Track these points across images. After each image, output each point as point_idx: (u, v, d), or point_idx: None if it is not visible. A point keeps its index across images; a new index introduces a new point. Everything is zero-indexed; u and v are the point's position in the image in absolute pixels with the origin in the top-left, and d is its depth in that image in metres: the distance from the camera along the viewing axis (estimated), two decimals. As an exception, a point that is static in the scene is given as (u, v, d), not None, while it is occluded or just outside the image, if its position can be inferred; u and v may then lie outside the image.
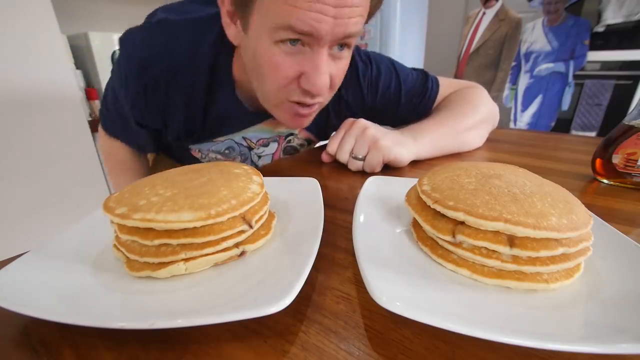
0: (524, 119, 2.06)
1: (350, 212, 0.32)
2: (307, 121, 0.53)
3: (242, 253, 0.26)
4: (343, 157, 0.51)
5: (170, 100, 0.53)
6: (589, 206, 0.27)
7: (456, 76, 2.31)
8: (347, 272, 0.27)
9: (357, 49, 0.62)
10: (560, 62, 1.88)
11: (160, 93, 0.51)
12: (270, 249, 0.27)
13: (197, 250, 0.23)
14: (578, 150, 0.61)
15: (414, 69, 0.68)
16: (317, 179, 0.38)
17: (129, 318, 0.20)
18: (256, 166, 0.67)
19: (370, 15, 0.46)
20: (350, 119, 0.54)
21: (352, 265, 0.27)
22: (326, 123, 0.65)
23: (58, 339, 0.20)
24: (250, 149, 0.64)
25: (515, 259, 0.22)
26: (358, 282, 0.25)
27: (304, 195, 0.35)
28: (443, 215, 0.24)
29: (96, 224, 0.30)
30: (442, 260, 0.24)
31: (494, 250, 0.22)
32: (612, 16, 1.69)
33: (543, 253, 0.21)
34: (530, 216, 0.21)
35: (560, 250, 0.21)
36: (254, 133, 0.62)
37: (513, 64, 2.04)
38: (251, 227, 0.25)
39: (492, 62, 2.13)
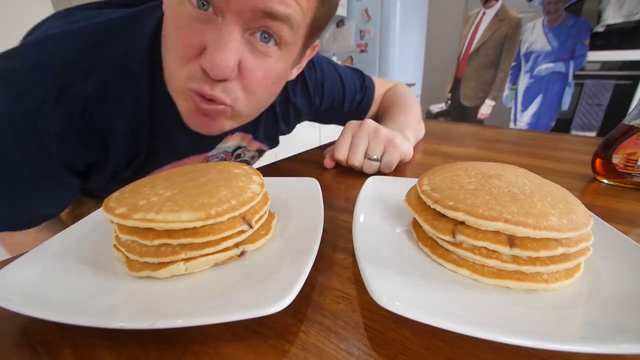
0: (524, 119, 2.06)
1: (350, 212, 0.32)
2: (215, 126, 0.42)
3: (242, 253, 0.26)
4: (358, 159, 0.47)
5: (109, 118, 0.40)
6: (589, 206, 0.27)
7: (456, 76, 2.32)
8: (347, 272, 0.27)
9: None
10: (560, 62, 1.88)
11: (95, 114, 0.39)
12: (270, 249, 0.27)
13: (197, 250, 0.23)
14: (578, 150, 0.61)
15: (349, 68, 0.70)
16: (317, 179, 0.38)
17: (129, 318, 0.20)
18: None
19: (321, 19, 0.39)
20: (354, 122, 0.51)
21: (352, 265, 0.27)
22: (275, 128, 0.62)
23: (58, 339, 0.20)
24: None
25: (515, 259, 0.22)
26: (358, 282, 0.25)
27: (304, 195, 0.35)
28: (443, 215, 0.24)
29: (96, 224, 0.30)
30: (442, 260, 0.24)
31: (494, 250, 0.22)
32: (612, 16, 1.69)
33: (543, 253, 0.21)
34: (530, 216, 0.21)
35: (560, 250, 0.21)
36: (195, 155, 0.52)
37: (513, 64, 2.05)
38: (251, 227, 0.25)
39: (492, 62, 2.13)
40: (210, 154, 0.55)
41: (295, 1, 0.34)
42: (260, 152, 0.66)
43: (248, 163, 0.65)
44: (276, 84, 0.43)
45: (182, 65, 0.36)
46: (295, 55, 0.42)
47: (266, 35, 0.36)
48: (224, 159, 0.59)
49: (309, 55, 0.48)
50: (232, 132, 0.54)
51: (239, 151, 0.60)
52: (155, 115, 0.44)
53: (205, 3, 0.33)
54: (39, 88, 0.36)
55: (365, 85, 0.69)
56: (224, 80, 0.36)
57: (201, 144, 0.52)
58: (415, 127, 0.63)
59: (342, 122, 0.68)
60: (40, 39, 0.40)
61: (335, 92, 0.65)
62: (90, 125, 0.40)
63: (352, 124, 0.51)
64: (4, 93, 0.36)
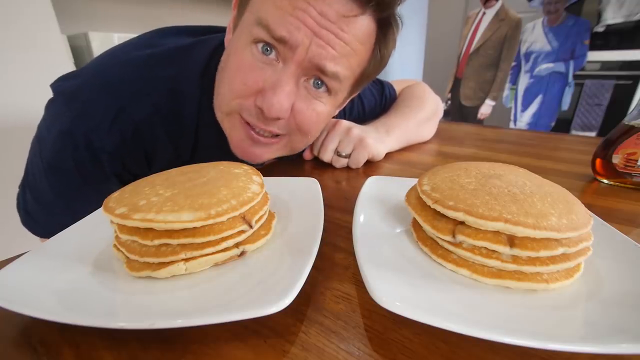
0: (524, 119, 2.06)
1: (350, 212, 0.32)
2: (263, 154, 0.45)
3: (242, 253, 0.26)
4: (327, 156, 0.53)
5: (156, 140, 0.45)
6: (589, 206, 0.27)
7: (456, 76, 2.32)
8: (347, 272, 0.27)
9: None
10: (560, 62, 1.87)
11: (145, 136, 0.43)
12: (270, 249, 0.27)
13: (197, 250, 0.23)
14: (578, 150, 0.61)
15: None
16: (317, 179, 0.38)
17: (129, 318, 0.20)
18: None
19: (370, 73, 0.44)
20: (331, 120, 0.55)
21: (352, 265, 0.27)
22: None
23: (58, 339, 0.20)
24: None
25: (515, 259, 0.22)
26: (358, 282, 0.25)
27: (304, 195, 0.35)
28: (443, 215, 0.24)
29: (96, 224, 0.30)
30: (442, 260, 0.24)
31: (494, 250, 0.22)
32: (612, 16, 1.69)
33: (543, 253, 0.21)
34: (530, 216, 0.21)
35: (560, 250, 0.21)
36: None
37: (513, 64, 2.04)
38: (251, 227, 0.25)
39: (492, 62, 2.13)
40: None
41: (347, 60, 0.38)
42: None
43: None
44: (324, 124, 0.48)
45: (235, 98, 0.40)
46: (341, 100, 0.46)
47: (319, 82, 0.40)
48: None
49: (351, 97, 0.51)
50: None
51: None
52: (198, 138, 0.48)
53: (269, 49, 0.37)
54: (97, 109, 0.40)
55: (384, 94, 0.71)
56: (278, 119, 0.40)
57: None
58: (411, 129, 0.64)
59: None
60: (103, 62, 0.45)
61: (354, 110, 0.66)
62: (139, 145, 0.44)
63: (329, 123, 0.54)
64: (67, 110, 0.41)
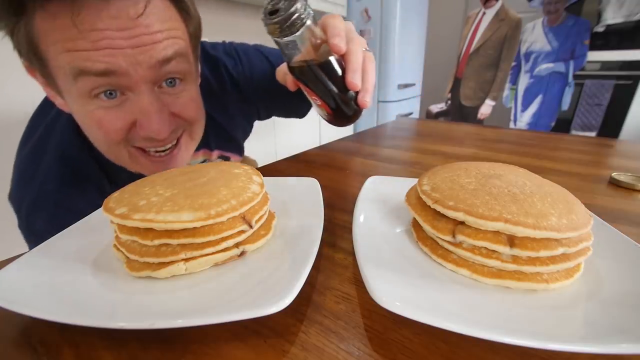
0: (524, 119, 2.06)
1: (350, 212, 0.32)
2: (182, 161, 0.46)
3: (242, 253, 0.26)
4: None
5: (76, 197, 0.46)
6: (590, 206, 0.27)
7: (456, 76, 2.32)
8: (347, 272, 0.27)
9: (222, 45, 0.60)
10: (560, 62, 1.88)
11: (65, 200, 0.45)
12: (270, 249, 0.27)
13: (197, 250, 0.23)
14: (578, 150, 0.61)
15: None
16: (317, 179, 0.38)
17: (129, 318, 0.20)
18: None
19: (197, 35, 0.43)
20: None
21: (352, 265, 0.27)
22: (226, 134, 0.61)
23: (58, 339, 0.20)
24: None
25: (515, 259, 0.22)
26: (358, 282, 0.25)
27: (304, 195, 0.35)
28: (443, 215, 0.24)
29: (96, 224, 0.30)
30: (442, 260, 0.24)
31: (494, 250, 0.22)
32: (612, 16, 1.69)
33: (543, 253, 0.21)
34: (530, 216, 0.21)
35: (560, 250, 0.21)
36: None
37: (513, 64, 2.05)
38: (251, 227, 0.25)
39: (492, 62, 2.13)
40: None
41: (171, 38, 0.37)
42: (225, 159, 0.66)
43: None
44: (201, 100, 0.47)
45: (118, 144, 0.40)
46: (193, 62, 0.44)
47: (171, 80, 0.40)
48: None
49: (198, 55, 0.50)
50: None
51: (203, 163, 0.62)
52: (111, 173, 0.49)
53: (111, 92, 0.36)
54: (23, 205, 0.45)
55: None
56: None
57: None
58: None
59: (291, 105, 0.65)
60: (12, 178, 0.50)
61: (267, 78, 0.59)
62: (69, 207, 0.45)
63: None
64: (25, 209, 0.46)
